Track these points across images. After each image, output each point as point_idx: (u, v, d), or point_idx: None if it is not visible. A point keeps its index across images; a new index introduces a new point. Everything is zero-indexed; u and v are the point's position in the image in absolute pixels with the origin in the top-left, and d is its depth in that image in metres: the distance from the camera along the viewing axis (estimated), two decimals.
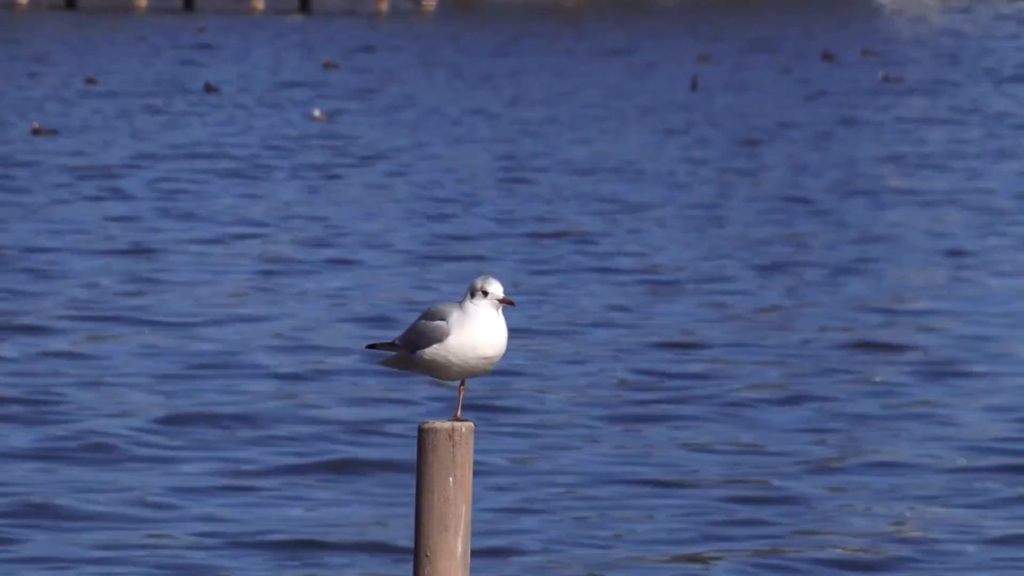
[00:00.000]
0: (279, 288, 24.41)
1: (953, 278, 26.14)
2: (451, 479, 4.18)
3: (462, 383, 4.49)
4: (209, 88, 59.00)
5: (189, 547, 11.63)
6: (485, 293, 4.34)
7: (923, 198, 35.46)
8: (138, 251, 27.43)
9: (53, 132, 44.41)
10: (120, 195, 34.15)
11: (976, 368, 19.41)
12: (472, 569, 4.43)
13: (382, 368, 15.62)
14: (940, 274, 26.48)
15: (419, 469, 4.21)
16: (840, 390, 18.04)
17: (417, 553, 4.18)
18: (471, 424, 4.24)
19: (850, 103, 58.38)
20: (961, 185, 37.60)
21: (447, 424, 4.19)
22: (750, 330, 21.63)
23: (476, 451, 12.05)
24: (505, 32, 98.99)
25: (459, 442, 4.20)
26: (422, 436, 4.19)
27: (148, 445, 14.98)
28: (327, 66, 70.65)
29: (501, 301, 4.34)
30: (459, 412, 4.41)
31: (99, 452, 14.65)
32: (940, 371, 19.24)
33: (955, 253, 28.58)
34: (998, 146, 45.90)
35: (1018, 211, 33.96)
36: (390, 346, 4.55)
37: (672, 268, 26.57)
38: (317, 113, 50.42)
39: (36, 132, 43.94)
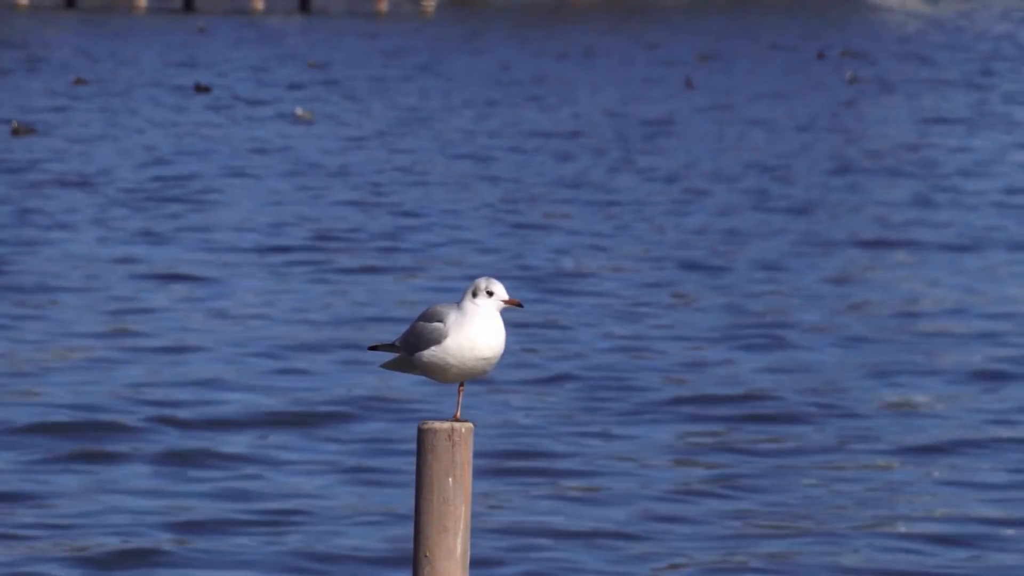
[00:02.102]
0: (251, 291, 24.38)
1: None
2: (450, 480, 4.19)
3: (461, 384, 4.49)
4: (199, 88, 58.85)
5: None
6: (490, 293, 4.33)
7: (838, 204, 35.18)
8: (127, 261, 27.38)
9: (32, 131, 44.27)
10: (91, 198, 33.90)
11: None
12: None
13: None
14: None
15: (418, 469, 4.22)
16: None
17: (416, 553, 4.19)
18: (470, 424, 4.24)
19: (808, 102, 58.39)
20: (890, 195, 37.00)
21: (446, 424, 4.19)
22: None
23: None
24: (504, 32, 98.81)
25: (459, 442, 4.21)
26: (421, 436, 4.20)
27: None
28: (312, 66, 70.71)
29: (507, 303, 4.33)
30: (459, 412, 4.41)
31: None
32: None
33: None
34: (935, 154, 44.41)
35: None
36: (390, 347, 4.55)
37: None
38: (300, 111, 50.32)
39: (15, 132, 43.82)
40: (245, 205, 33.03)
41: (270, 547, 11.78)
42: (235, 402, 17.08)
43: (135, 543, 11.68)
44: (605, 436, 15.75)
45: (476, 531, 12.02)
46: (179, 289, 24.05)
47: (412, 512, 11.93)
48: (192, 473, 14.09)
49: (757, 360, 19.71)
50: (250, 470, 14.22)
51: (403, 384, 17.90)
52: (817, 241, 29.59)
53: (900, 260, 27.74)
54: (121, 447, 14.91)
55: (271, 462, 14.54)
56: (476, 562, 11.06)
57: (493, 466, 14.41)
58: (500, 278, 23.54)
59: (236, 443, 15.27)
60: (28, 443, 14.96)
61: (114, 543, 11.66)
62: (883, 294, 24.56)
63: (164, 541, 11.80)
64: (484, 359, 4.32)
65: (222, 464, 14.44)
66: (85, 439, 15.15)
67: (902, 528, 12.56)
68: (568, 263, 26.87)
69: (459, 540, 4.17)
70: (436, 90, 61.86)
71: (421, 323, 4.39)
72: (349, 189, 35.69)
